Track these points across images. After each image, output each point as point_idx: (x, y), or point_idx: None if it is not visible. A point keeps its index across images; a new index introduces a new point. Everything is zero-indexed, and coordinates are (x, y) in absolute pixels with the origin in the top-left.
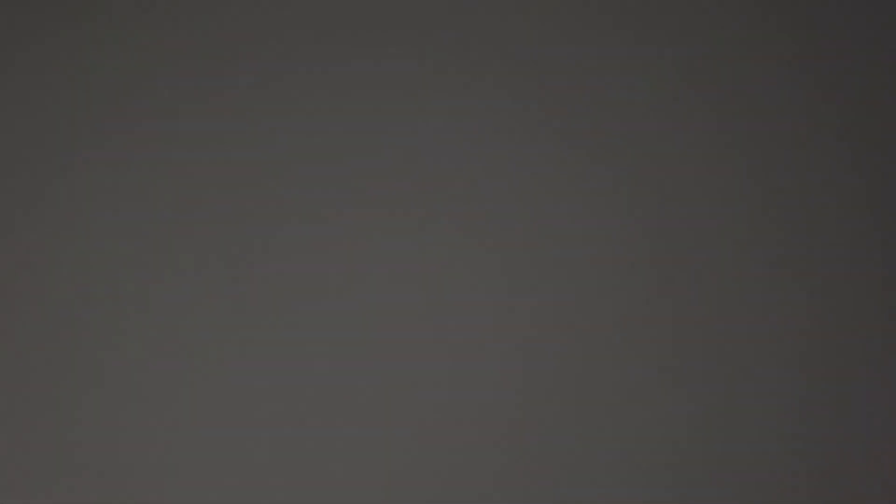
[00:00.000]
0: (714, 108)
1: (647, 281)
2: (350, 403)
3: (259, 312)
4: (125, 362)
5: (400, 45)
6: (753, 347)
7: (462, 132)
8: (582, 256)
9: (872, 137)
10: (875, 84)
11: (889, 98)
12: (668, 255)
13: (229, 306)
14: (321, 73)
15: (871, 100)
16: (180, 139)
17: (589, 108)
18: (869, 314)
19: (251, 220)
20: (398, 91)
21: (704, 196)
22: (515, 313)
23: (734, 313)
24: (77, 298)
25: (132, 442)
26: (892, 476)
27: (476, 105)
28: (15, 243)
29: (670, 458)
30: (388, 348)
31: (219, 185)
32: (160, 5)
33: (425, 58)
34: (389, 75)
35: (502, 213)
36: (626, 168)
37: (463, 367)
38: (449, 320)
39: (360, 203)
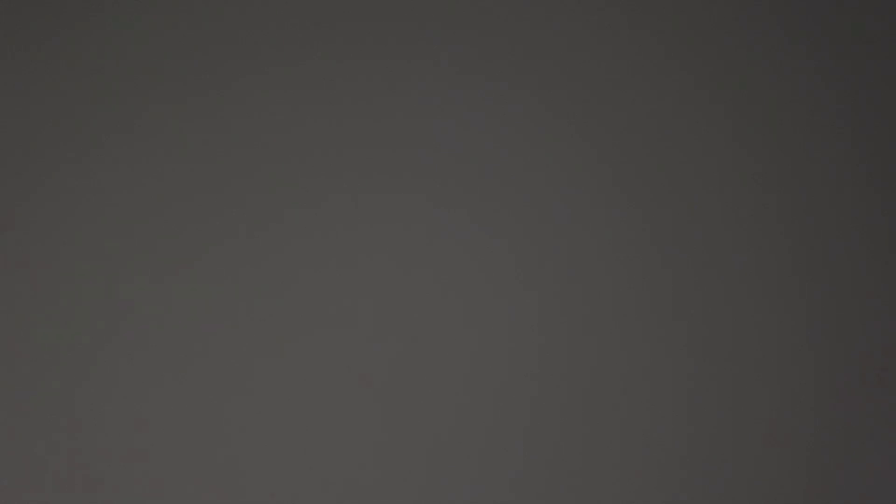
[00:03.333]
0: (719, 108)
1: (656, 281)
2: (354, 405)
3: (265, 312)
4: (125, 364)
5: (399, 44)
6: (762, 350)
7: (467, 133)
8: (590, 259)
9: (875, 148)
10: (878, 85)
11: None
12: (676, 254)
13: (233, 310)
14: (322, 75)
15: (874, 103)
16: (179, 137)
17: (595, 108)
18: (872, 317)
19: (254, 219)
20: (401, 88)
21: (712, 195)
22: (524, 314)
23: (739, 314)
24: (75, 300)
25: (132, 445)
26: (893, 476)
27: (484, 107)
28: (13, 243)
29: (675, 461)
30: (392, 350)
31: (221, 188)
32: (161, 5)
33: (427, 57)
34: (390, 75)
35: (511, 214)
36: (634, 168)
37: (470, 369)
38: (455, 325)
39: (365, 202)
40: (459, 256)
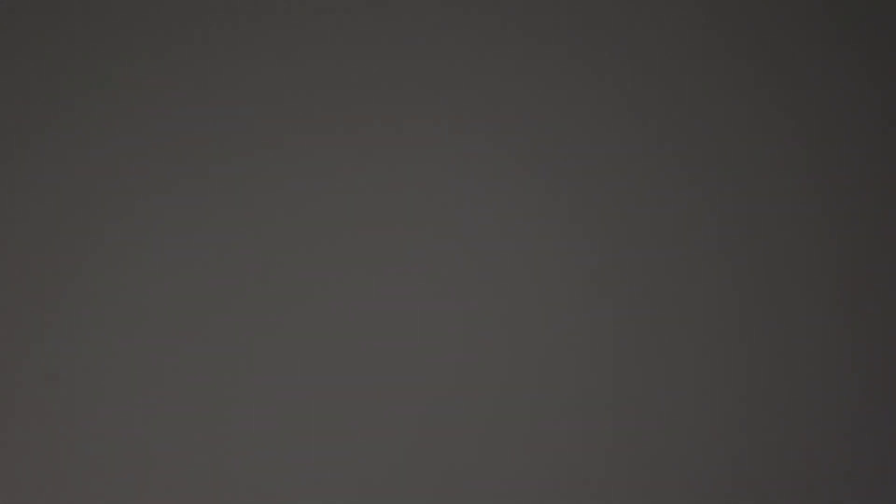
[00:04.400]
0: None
1: (640, 288)
2: (346, 409)
3: (256, 319)
4: (127, 365)
5: (388, 53)
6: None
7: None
8: (577, 266)
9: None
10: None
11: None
12: (659, 261)
13: (232, 307)
14: (319, 80)
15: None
16: (177, 134)
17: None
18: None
19: (256, 215)
20: (388, 92)
21: (700, 196)
22: (514, 321)
23: (727, 319)
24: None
25: (132, 447)
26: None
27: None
28: (14, 245)
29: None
30: (382, 356)
31: (221, 184)
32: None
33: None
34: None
35: (497, 221)
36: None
37: (470, 370)
38: (445, 332)
39: (355, 215)
40: (460, 257)
